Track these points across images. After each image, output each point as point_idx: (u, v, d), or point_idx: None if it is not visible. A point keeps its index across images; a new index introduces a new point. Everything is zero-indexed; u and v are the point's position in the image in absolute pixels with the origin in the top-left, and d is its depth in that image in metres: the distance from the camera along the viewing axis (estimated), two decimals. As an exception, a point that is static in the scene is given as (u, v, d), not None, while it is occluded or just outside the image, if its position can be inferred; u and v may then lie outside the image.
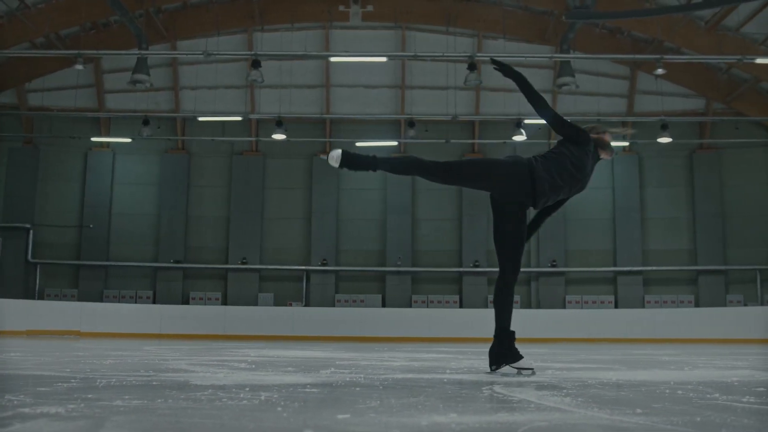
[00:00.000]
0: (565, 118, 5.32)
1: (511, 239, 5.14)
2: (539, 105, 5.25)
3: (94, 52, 21.28)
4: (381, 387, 3.86)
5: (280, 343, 15.96)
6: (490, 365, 5.15)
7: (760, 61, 19.96)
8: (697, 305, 24.42)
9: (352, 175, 26.07)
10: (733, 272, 25.07)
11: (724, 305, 24.14)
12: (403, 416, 2.61)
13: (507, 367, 5.06)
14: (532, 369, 5.04)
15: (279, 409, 2.81)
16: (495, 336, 5.15)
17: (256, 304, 24.78)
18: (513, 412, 2.84)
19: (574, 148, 5.18)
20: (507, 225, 5.14)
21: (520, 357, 5.06)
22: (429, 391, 3.61)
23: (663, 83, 24.34)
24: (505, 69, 5.33)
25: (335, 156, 4.85)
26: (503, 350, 5.09)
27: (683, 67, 23.72)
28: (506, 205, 5.13)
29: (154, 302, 24.59)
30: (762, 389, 3.76)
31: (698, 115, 25.42)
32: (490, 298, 24.11)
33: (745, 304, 24.17)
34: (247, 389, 3.59)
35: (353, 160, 4.89)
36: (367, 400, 3.16)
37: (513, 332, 5.12)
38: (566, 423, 2.49)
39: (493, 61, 5.46)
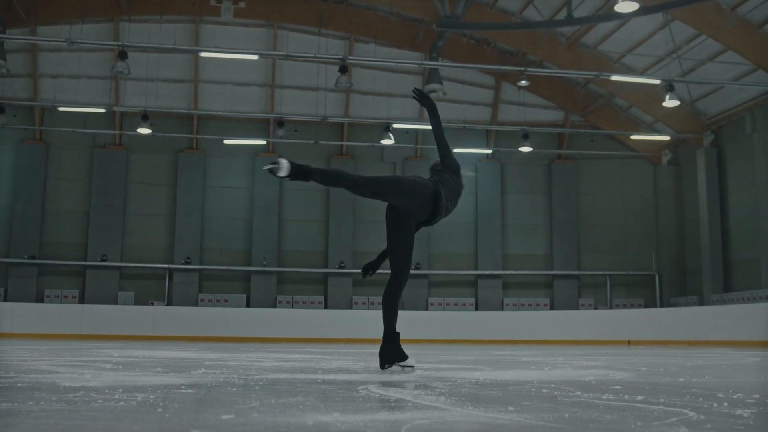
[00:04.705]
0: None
1: (407, 246, 5.62)
2: (442, 133, 6.01)
3: (-55, 33, 20.02)
4: (257, 387, 3.87)
5: (142, 343, 15.53)
6: (381, 364, 5.55)
7: (614, 78, 21.19)
8: (552, 308, 25.54)
9: (218, 173, 25.71)
10: (586, 277, 26.41)
11: (577, 308, 25.38)
12: (287, 416, 2.64)
13: (396, 365, 5.54)
14: (413, 366, 5.59)
15: (159, 410, 2.78)
16: (384, 337, 5.57)
17: (115, 302, 23.98)
18: (393, 411, 2.93)
19: (454, 177, 5.85)
20: (405, 233, 5.61)
21: (406, 357, 5.57)
22: (306, 391, 3.65)
23: (526, 94, 25.33)
24: (423, 97, 5.95)
25: (285, 165, 4.95)
26: (393, 350, 5.54)
27: (544, 80, 24.79)
28: (407, 216, 5.59)
29: (5, 300, 23.34)
30: (618, 387, 4.01)
31: (557, 126, 26.60)
32: (356, 299, 24.56)
33: (596, 308, 25.49)
34: (121, 390, 3.52)
35: (297, 170, 5.01)
36: (247, 400, 3.16)
37: (398, 333, 5.57)
38: (446, 420, 2.59)
39: (415, 90, 6.02)
